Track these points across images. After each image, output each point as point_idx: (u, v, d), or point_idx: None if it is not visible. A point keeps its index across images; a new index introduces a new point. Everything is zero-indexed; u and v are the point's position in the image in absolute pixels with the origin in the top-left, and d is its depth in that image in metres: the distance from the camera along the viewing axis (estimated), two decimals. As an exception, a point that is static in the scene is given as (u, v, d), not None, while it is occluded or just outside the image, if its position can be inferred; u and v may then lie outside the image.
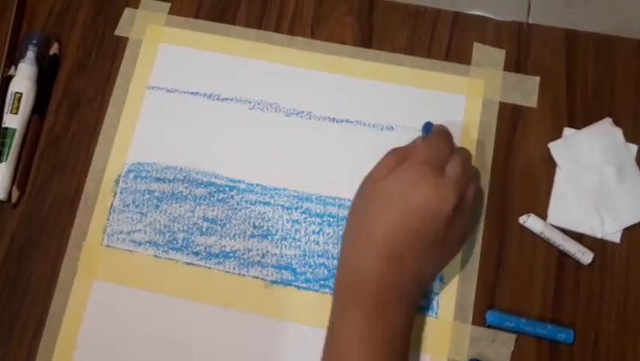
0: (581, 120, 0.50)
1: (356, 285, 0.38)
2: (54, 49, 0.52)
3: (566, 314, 0.46)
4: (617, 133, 0.48)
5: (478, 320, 0.46)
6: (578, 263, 0.46)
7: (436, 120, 0.49)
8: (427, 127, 0.44)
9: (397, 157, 0.41)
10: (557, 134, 0.49)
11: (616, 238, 0.47)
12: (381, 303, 0.38)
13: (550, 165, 0.49)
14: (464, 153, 0.43)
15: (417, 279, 0.40)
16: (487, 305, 0.46)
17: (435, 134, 0.43)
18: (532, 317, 0.46)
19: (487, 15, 0.52)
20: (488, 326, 0.45)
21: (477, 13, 0.52)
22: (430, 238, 0.39)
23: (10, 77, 0.51)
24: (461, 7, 0.52)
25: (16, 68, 0.51)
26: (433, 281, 0.44)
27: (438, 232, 0.39)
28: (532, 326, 0.45)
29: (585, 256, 0.46)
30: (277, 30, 0.53)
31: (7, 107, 0.50)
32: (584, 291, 0.46)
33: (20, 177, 0.49)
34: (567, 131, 0.49)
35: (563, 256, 0.47)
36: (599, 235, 0.47)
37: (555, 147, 0.49)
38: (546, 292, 0.46)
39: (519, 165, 0.49)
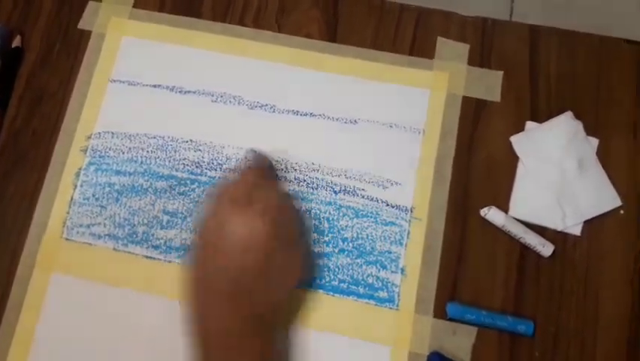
0: (543, 114, 0.50)
1: (203, 334, 0.39)
2: (16, 42, 0.52)
3: (526, 307, 0.46)
4: (578, 127, 0.49)
5: (440, 312, 0.46)
6: (539, 256, 0.46)
7: (400, 113, 0.50)
8: (251, 152, 0.46)
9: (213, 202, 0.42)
10: (520, 128, 0.49)
11: (577, 230, 0.47)
12: (224, 348, 0.39)
13: (513, 158, 0.49)
14: (271, 180, 0.45)
15: (256, 315, 0.40)
16: (448, 297, 0.46)
17: (243, 167, 0.44)
18: (494, 309, 0.46)
19: (452, 10, 0.52)
20: (449, 319, 0.45)
21: (443, 8, 0.53)
22: (255, 271, 0.39)
23: (-29, 70, 0.51)
24: (448, 5, 0.52)
25: (-23, 61, 0.51)
26: (282, 309, 0.44)
27: (259, 262, 0.39)
28: (493, 318, 0.45)
29: (546, 249, 0.46)
30: (242, 23, 0.53)
31: (-34, 100, 0.49)
32: (544, 283, 0.46)
33: (-21, 169, 0.49)
34: (529, 124, 0.49)
35: (524, 248, 0.47)
36: (560, 228, 0.47)
37: (517, 141, 0.49)
38: (507, 284, 0.46)
39: (481, 159, 0.49)
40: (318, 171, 0.49)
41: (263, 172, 0.44)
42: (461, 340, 0.45)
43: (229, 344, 0.38)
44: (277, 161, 0.48)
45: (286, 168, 0.48)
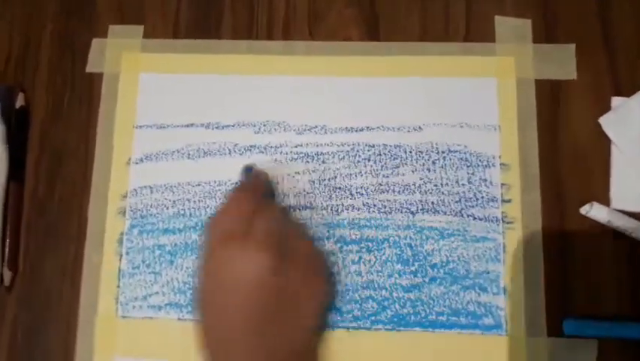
0: (628, 86, 0.44)
1: None
2: (20, 100, 0.45)
3: (648, 307, 0.41)
4: (674, 94, 0.43)
5: (553, 329, 0.40)
6: (652, 248, 0.41)
7: (469, 110, 0.44)
8: (247, 170, 0.41)
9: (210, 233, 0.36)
10: (606, 106, 0.44)
11: (691, 213, 0.42)
12: None
13: (604, 141, 0.43)
14: (270, 200, 0.39)
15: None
16: (559, 311, 0.41)
17: (236, 191, 0.38)
18: (609, 313, 0.41)
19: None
20: (566, 336, 0.40)
21: (492, -19, 0.46)
22: (261, 313, 0.34)
23: (-24, 142, 0.44)
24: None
25: (-20, 130, 0.44)
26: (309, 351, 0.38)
27: (268, 303, 0.34)
28: (615, 330, 0.40)
29: (661, 240, 0.41)
30: (270, 37, 0.46)
31: (-22, 178, 0.43)
32: (664, 279, 0.41)
33: (9, 255, 0.43)
34: (616, 100, 0.44)
35: (635, 243, 0.41)
36: (671, 214, 0.42)
37: (606, 121, 0.43)
38: (621, 285, 0.41)
39: (569, 147, 0.43)
40: (387, 192, 0.43)
41: (260, 193, 0.38)
42: (582, 356, 0.40)
43: None
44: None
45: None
